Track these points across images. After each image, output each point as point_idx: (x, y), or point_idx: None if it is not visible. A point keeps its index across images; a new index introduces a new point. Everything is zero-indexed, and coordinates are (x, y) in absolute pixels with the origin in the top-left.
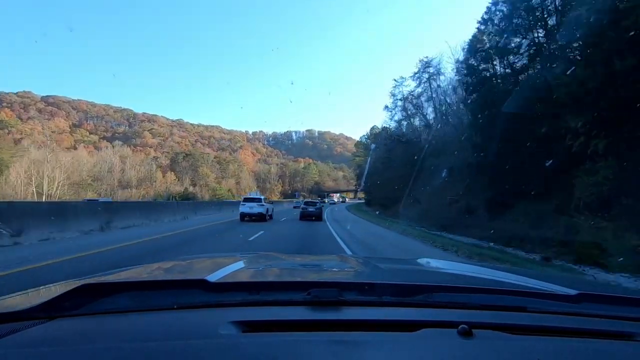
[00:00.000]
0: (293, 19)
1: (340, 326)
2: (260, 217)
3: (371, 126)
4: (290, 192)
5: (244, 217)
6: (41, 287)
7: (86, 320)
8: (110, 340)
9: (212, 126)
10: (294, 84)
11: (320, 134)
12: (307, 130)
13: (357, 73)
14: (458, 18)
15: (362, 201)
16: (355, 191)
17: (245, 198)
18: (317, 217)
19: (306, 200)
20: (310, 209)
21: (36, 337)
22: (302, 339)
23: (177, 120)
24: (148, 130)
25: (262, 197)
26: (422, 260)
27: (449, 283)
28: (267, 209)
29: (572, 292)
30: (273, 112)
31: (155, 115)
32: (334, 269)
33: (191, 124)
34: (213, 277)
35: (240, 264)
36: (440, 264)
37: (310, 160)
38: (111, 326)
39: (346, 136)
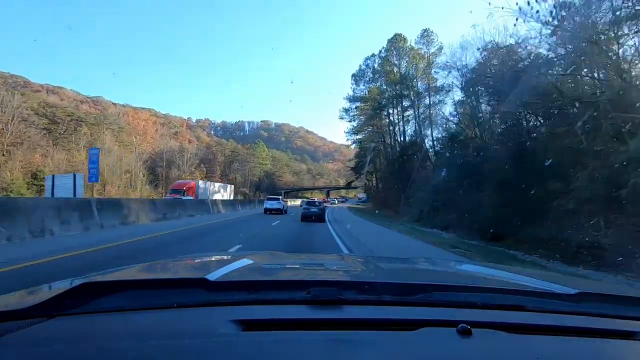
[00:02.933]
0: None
1: (340, 325)
2: (278, 211)
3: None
4: None
5: (266, 211)
6: (41, 286)
7: (86, 319)
8: (110, 339)
9: (144, 108)
10: (250, 76)
11: (278, 125)
12: (262, 121)
13: (319, 69)
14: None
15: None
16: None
17: (268, 197)
18: (319, 218)
19: (308, 200)
20: (313, 209)
21: (36, 336)
22: (301, 337)
23: (95, 97)
24: (37, 103)
25: (280, 196)
26: (422, 260)
27: (449, 282)
28: (283, 205)
29: (572, 291)
30: (228, 103)
31: (62, 88)
32: (334, 268)
33: (113, 103)
34: (213, 276)
35: (240, 263)
36: (440, 263)
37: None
38: (111, 325)
39: (307, 129)
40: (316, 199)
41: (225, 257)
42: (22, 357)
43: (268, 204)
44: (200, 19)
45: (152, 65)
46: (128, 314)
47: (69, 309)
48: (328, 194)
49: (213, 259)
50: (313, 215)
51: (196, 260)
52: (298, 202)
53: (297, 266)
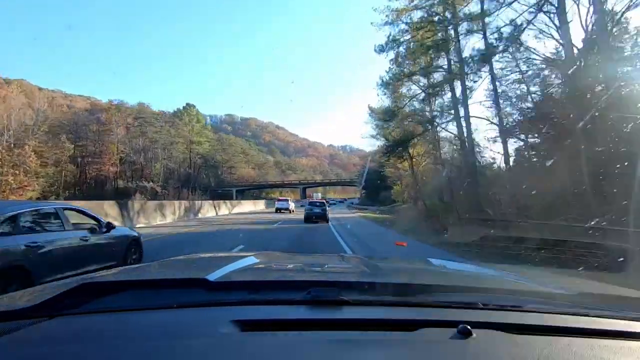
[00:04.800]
0: None
1: (340, 325)
2: (287, 210)
3: None
4: (125, 182)
5: (277, 210)
6: (42, 286)
7: (86, 319)
8: (111, 339)
9: (76, 95)
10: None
11: (244, 119)
12: (226, 115)
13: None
14: None
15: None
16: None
17: (279, 199)
18: (323, 218)
19: (311, 200)
20: (316, 210)
21: (36, 336)
22: (302, 338)
23: (19, 79)
24: None
25: (288, 198)
26: (422, 260)
27: (449, 283)
28: (291, 205)
29: (572, 291)
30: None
31: None
32: (334, 269)
33: (40, 88)
34: (213, 276)
35: (240, 263)
36: (440, 264)
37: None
38: (111, 325)
39: (277, 125)
40: (317, 200)
41: (225, 258)
42: (22, 357)
43: (279, 205)
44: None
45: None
46: (128, 314)
47: (69, 309)
48: (304, 193)
49: (213, 259)
50: (314, 216)
51: (196, 261)
52: (259, 206)
53: (297, 266)
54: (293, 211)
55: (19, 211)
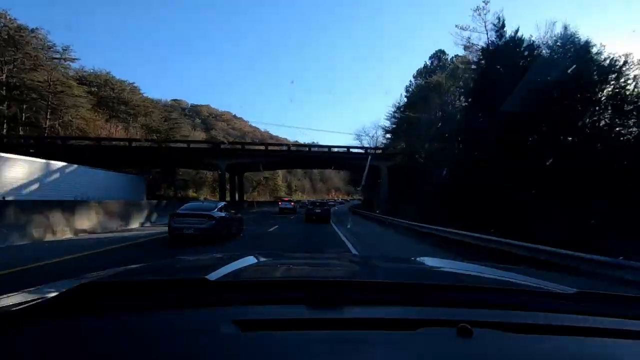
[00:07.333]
0: None
1: (341, 325)
2: (291, 211)
3: None
4: None
5: (282, 211)
6: (41, 287)
7: (86, 320)
8: (110, 340)
9: None
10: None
11: (195, 106)
12: (173, 100)
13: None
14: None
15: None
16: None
17: (281, 200)
18: (325, 218)
19: (311, 200)
20: (317, 210)
21: (35, 337)
22: (302, 337)
23: None
24: None
25: (291, 199)
26: (423, 259)
27: (449, 282)
28: (295, 206)
29: (571, 290)
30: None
31: None
32: (335, 268)
33: None
34: (213, 276)
35: (240, 263)
36: (440, 263)
37: None
38: (111, 326)
39: (234, 114)
40: (317, 200)
41: (225, 257)
42: (21, 357)
43: (283, 205)
44: None
45: None
46: (128, 315)
47: (70, 309)
48: (238, 185)
49: (213, 259)
50: (314, 216)
51: (197, 260)
52: None
53: (298, 266)
54: (295, 210)
55: (220, 205)
